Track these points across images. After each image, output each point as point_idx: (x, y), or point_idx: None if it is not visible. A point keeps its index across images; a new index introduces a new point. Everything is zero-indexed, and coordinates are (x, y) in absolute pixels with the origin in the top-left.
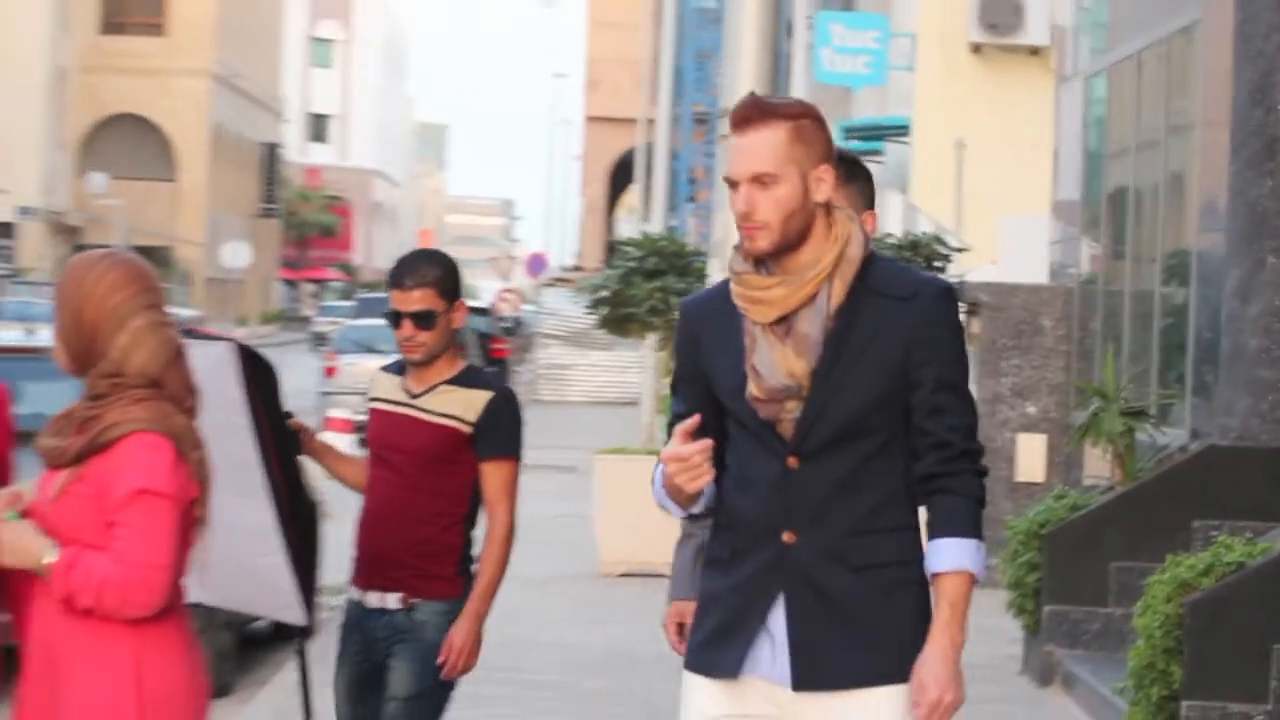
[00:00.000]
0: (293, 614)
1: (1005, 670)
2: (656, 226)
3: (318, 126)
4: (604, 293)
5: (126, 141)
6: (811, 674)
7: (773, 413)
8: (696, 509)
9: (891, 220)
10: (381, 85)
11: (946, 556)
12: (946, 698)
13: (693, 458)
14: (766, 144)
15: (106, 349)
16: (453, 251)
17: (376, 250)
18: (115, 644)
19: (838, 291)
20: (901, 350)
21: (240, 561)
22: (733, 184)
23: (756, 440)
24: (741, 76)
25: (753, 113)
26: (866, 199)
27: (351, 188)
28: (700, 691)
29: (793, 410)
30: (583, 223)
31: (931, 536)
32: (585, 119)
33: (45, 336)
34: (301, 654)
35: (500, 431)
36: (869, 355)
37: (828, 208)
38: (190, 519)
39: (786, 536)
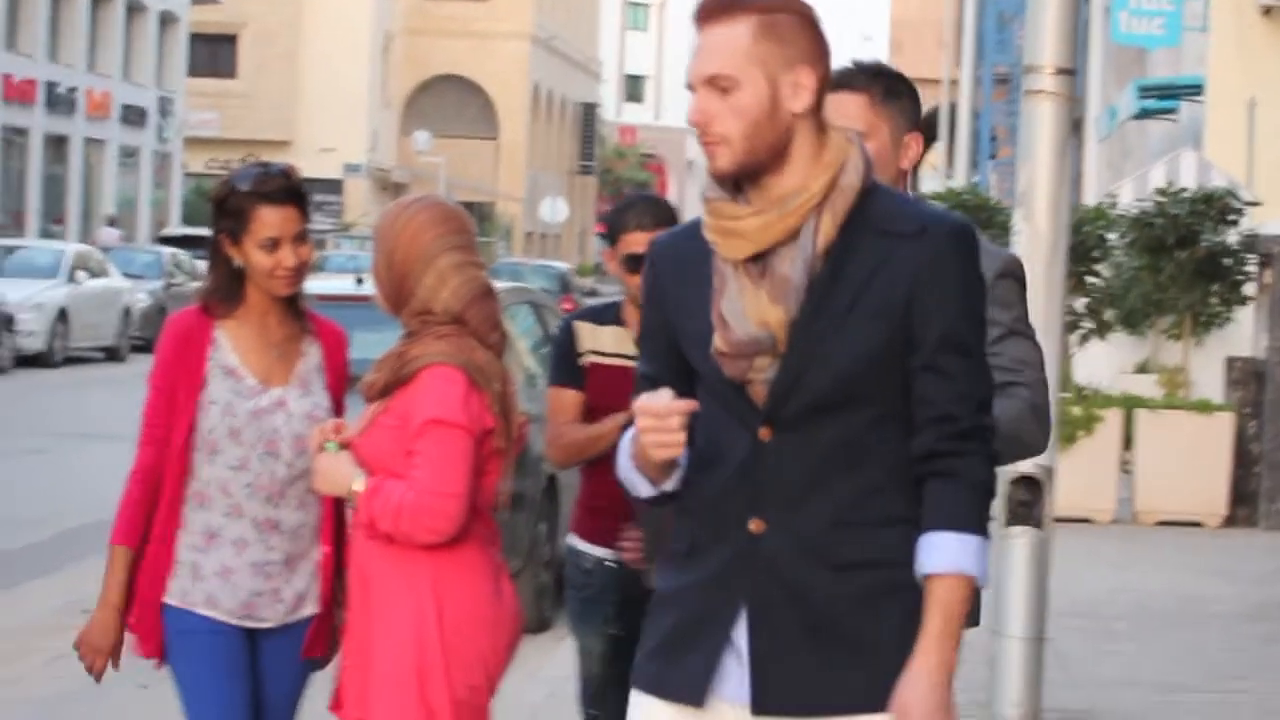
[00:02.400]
0: None
1: None
2: (960, 182)
3: (633, 87)
4: None
5: (449, 101)
6: (776, 695)
7: (740, 371)
8: (670, 485)
9: (1186, 176)
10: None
11: (942, 555)
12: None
13: (670, 415)
14: (726, 41)
15: (415, 288)
16: None
17: (689, 205)
18: (415, 568)
19: (827, 226)
20: (902, 299)
21: None
22: (690, 88)
23: (724, 406)
24: (1044, 36)
25: (716, 3)
26: (909, 119)
27: (665, 146)
28: (651, 717)
29: (765, 369)
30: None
31: (924, 529)
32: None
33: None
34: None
35: None
36: (862, 305)
37: (821, 125)
38: (487, 449)
39: (754, 525)
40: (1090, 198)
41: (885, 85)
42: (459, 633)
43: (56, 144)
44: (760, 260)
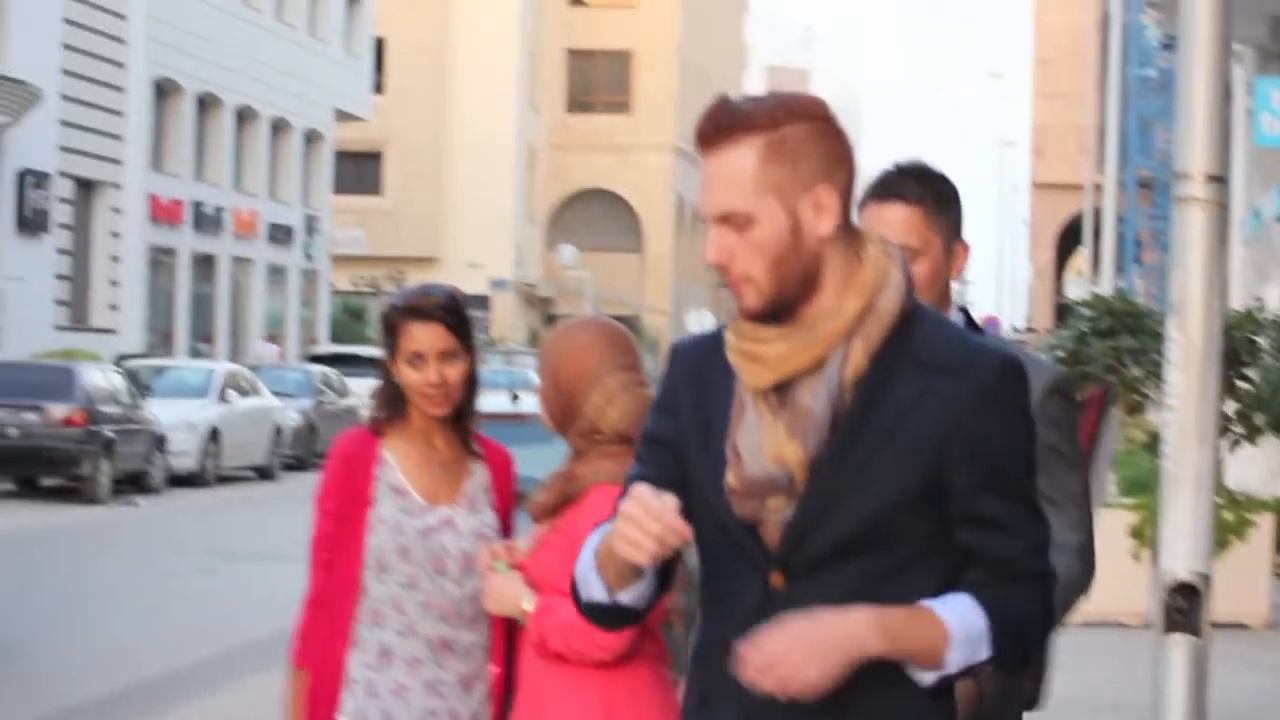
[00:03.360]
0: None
1: None
2: (1105, 288)
3: None
4: (1060, 353)
5: (594, 215)
6: None
7: (751, 510)
8: (625, 598)
9: None
10: None
11: (952, 608)
12: (795, 663)
13: (659, 517)
14: (732, 172)
15: (582, 407)
16: None
17: None
18: (585, 686)
19: (857, 355)
20: (938, 441)
21: None
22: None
23: (734, 548)
24: (1194, 142)
25: (713, 125)
26: (958, 226)
27: None
28: None
29: (779, 510)
30: (1031, 286)
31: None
32: (1031, 185)
33: (528, 403)
34: None
35: None
36: (894, 445)
37: (854, 238)
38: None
39: None
40: (1235, 301)
41: (936, 193)
42: None
43: (204, 263)
44: (782, 389)
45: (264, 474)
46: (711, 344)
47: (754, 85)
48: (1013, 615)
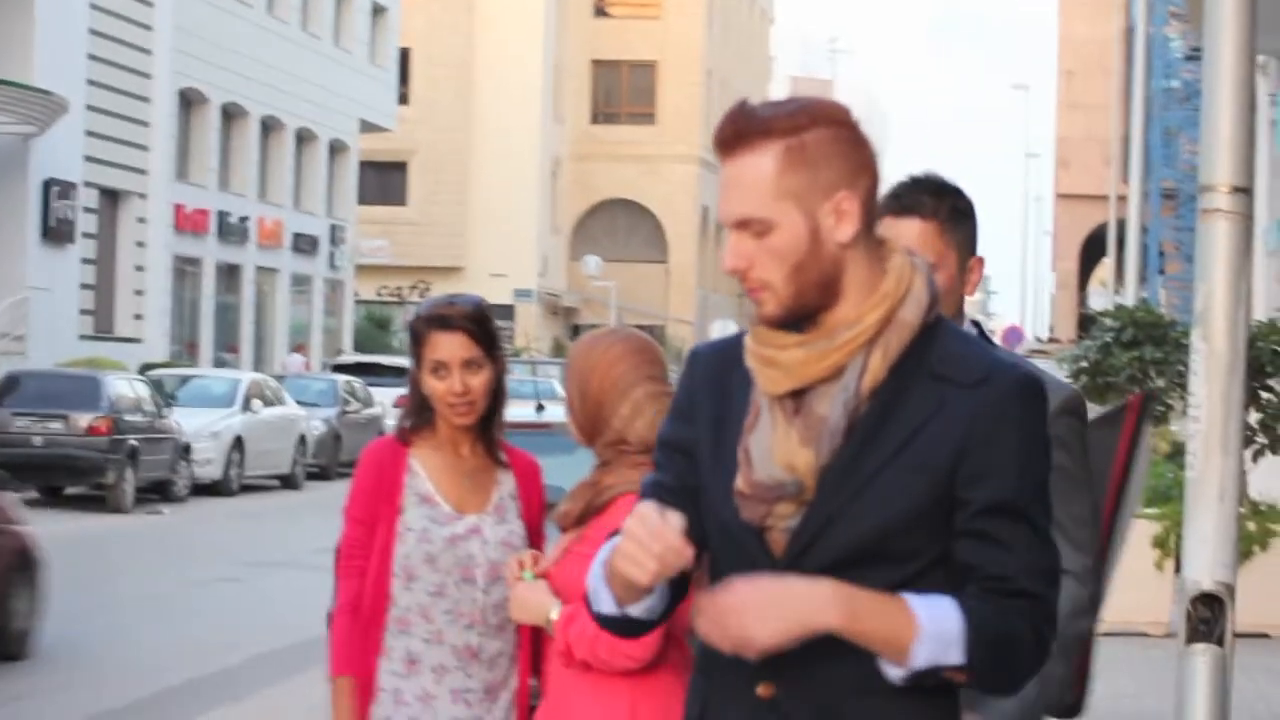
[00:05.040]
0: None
1: None
2: (1129, 299)
3: None
4: (1083, 363)
5: (618, 225)
6: None
7: (758, 515)
8: (635, 610)
9: None
10: None
11: (930, 606)
12: (747, 620)
13: (658, 539)
14: (751, 177)
15: (610, 418)
16: None
17: None
18: (612, 695)
19: (876, 366)
20: (951, 455)
21: None
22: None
23: (739, 552)
24: (1219, 154)
25: (732, 129)
26: (973, 241)
27: None
28: None
29: (786, 517)
30: (1054, 296)
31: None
32: (1055, 196)
33: (553, 413)
34: None
35: None
36: (907, 456)
37: (877, 245)
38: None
39: (762, 690)
40: (1259, 311)
41: (951, 207)
42: None
43: (229, 273)
44: (798, 396)
45: (288, 483)
46: (730, 348)
47: (778, 96)
48: (994, 627)
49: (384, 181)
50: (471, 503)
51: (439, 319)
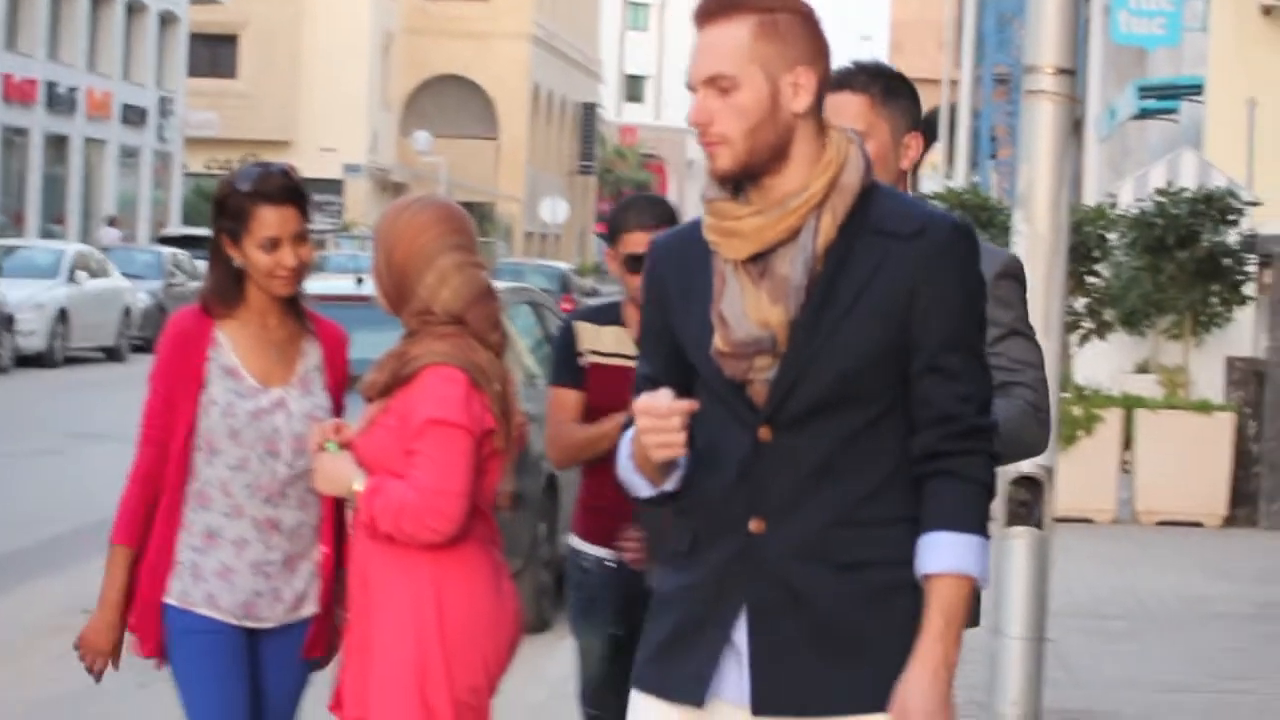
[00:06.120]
0: None
1: None
2: (960, 182)
3: (633, 87)
4: None
5: (449, 101)
6: (775, 696)
7: (740, 370)
8: (669, 485)
9: (1186, 176)
10: None
11: (943, 555)
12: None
13: (671, 415)
14: (726, 41)
15: (416, 287)
16: None
17: (689, 205)
18: (416, 569)
19: (827, 226)
20: (903, 299)
21: None
22: (691, 89)
23: (724, 406)
24: (1044, 36)
25: (716, 3)
26: (910, 119)
27: (665, 146)
28: (651, 718)
29: (765, 369)
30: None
31: (924, 529)
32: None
33: (371, 286)
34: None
35: None
36: (862, 304)
37: (821, 124)
38: (487, 450)
39: (754, 525)
40: (1090, 197)
41: (885, 85)
42: (460, 633)
43: (57, 144)
44: (760, 260)
45: (112, 355)
46: (685, 233)
47: None
48: (977, 505)
49: (214, 54)
50: (277, 375)
51: (266, 193)
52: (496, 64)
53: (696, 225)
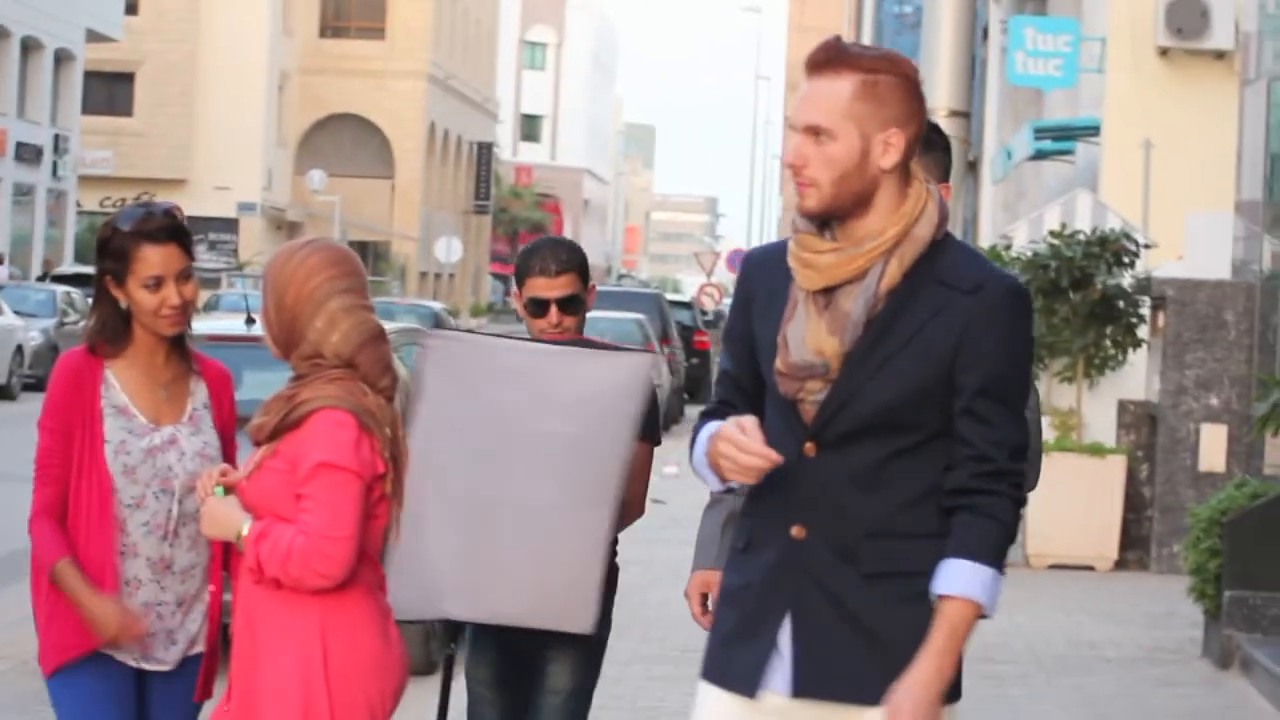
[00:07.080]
0: (580, 624)
1: (1186, 654)
2: None
3: (530, 126)
4: None
5: (345, 140)
6: (814, 680)
7: (793, 390)
8: (735, 484)
9: (1081, 218)
10: (591, 87)
11: (957, 579)
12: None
13: (755, 446)
14: (828, 95)
15: (305, 331)
16: (658, 247)
17: (586, 246)
18: (303, 613)
19: (893, 271)
20: (951, 347)
21: (549, 571)
22: (791, 128)
23: (781, 419)
24: (938, 78)
25: (825, 57)
26: (941, 170)
27: (562, 185)
28: (714, 705)
29: (815, 392)
30: (782, 220)
31: (946, 555)
32: (786, 120)
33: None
34: (450, 658)
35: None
36: (913, 346)
37: (906, 176)
38: (376, 494)
39: (795, 531)
40: (985, 239)
41: (922, 139)
42: (346, 677)
43: None
44: (828, 293)
45: (4, 393)
46: (776, 251)
47: (509, 14)
48: (996, 540)
49: (110, 92)
50: (167, 413)
51: (148, 234)
52: (393, 103)
53: (785, 246)
